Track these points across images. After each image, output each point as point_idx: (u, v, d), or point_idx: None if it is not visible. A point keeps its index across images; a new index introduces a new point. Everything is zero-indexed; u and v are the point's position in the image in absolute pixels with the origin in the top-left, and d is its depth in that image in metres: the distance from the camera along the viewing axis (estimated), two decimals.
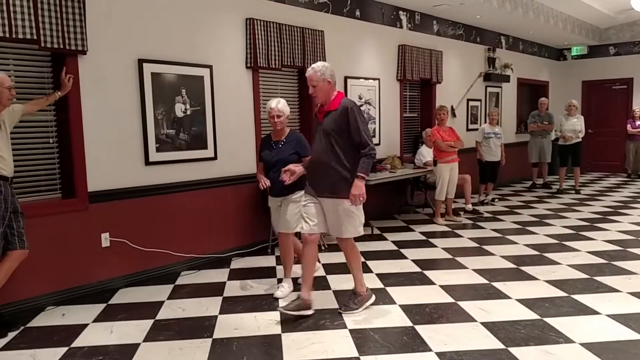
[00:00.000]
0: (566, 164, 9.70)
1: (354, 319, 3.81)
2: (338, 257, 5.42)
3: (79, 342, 3.54)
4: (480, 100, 9.99)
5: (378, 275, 4.85)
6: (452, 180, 7.19)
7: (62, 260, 4.31)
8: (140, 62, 4.72)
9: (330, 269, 5.07)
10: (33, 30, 3.93)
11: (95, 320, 3.92)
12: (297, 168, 3.99)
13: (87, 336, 3.64)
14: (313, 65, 3.88)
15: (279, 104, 4.35)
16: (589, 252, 5.52)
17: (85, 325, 3.82)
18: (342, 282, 4.61)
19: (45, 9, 3.98)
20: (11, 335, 3.65)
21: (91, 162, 4.46)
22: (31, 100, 4.04)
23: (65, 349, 3.43)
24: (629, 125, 11.38)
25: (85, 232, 4.46)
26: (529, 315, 3.84)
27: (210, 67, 5.29)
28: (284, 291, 4.36)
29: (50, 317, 4.00)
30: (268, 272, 5.02)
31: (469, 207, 7.77)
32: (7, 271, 3.67)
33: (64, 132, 4.37)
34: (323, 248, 5.79)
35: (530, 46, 11.55)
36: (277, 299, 4.26)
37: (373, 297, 4.10)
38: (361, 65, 7.19)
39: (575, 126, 9.40)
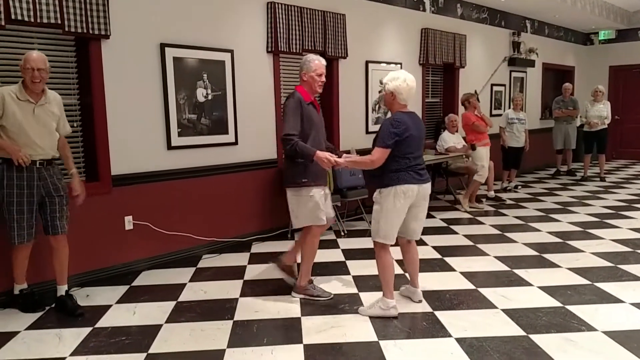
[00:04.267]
0: (591, 150, 9.51)
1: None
2: (357, 243, 5.44)
3: (102, 322, 3.61)
4: (504, 85, 9.82)
5: (397, 261, 4.81)
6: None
7: (86, 243, 4.39)
8: (163, 46, 4.74)
9: (351, 254, 5.07)
10: (57, 15, 3.97)
11: (118, 302, 4.00)
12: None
13: (111, 317, 3.71)
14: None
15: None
16: (613, 240, 5.43)
17: (108, 307, 3.90)
18: (361, 267, 4.63)
19: None
20: (37, 314, 3.75)
21: (114, 146, 4.51)
22: (64, 143, 3.94)
23: (89, 329, 3.51)
24: None
25: (109, 215, 4.53)
26: (551, 302, 3.80)
27: (231, 51, 5.29)
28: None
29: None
30: None
31: (491, 194, 7.69)
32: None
33: (88, 116, 4.43)
34: (342, 234, 5.80)
35: (556, 30, 11.29)
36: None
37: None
38: (383, 49, 7.12)
39: (601, 112, 9.20)
